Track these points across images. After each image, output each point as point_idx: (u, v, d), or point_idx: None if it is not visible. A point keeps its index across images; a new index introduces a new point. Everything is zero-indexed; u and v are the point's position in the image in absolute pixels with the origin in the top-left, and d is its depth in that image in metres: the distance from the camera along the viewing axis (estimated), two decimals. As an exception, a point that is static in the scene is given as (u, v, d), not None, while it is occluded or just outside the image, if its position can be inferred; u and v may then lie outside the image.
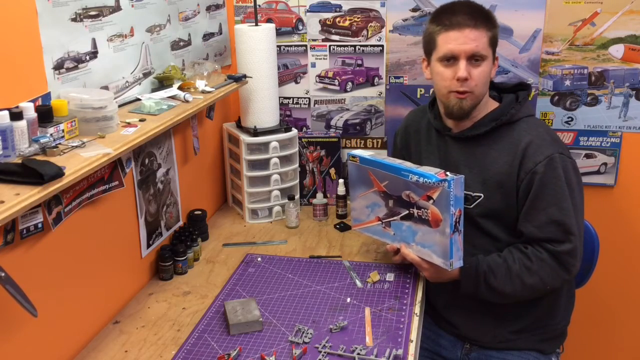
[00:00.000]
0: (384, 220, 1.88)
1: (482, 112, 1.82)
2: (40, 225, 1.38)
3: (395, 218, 1.84)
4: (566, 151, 1.77)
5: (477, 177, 1.81)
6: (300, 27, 2.47)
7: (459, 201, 1.66)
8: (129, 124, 1.56)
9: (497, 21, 1.79)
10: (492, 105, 1.85)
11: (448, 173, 1.66)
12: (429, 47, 1.80)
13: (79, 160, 1.31)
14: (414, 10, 2.36)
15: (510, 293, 1.74)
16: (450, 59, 1.73)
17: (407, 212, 1.78)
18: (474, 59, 1.71)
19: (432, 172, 1.69)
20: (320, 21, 2.45)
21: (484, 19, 1.73)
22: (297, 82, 2.54)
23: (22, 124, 1.26)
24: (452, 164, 1.86)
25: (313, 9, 2.44)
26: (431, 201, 1.69)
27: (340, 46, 2.47)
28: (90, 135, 1.44)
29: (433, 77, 1.82)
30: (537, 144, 1.74)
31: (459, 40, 1.70)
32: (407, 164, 1.78)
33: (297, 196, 2.39)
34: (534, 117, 1.87)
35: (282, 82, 2.51)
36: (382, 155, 1.90)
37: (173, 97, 1.82)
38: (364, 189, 1.91)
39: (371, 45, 2.45)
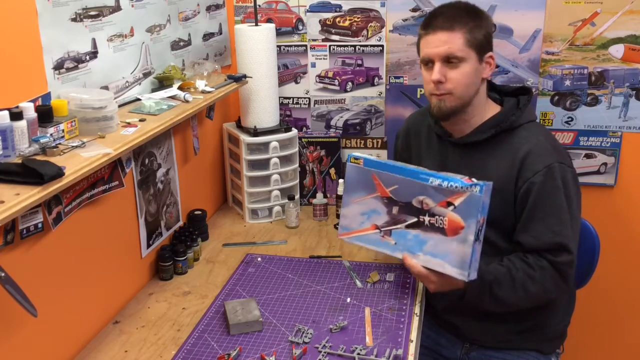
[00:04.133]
0: (383, 229, 1.75)
1: (482, 117, 1.81)
2: (40, 225, 1.38)
3: (399, 226, 1.72)
4: (567, 160, 1.76)
5: None
6: (300, 27, 2.47)
7: (485, 208, 1.59)
8: (129, 124, 1.56)
9: (490, 21, 1.78)
10: (493, 109, 1.83)
11: (473, 179, 1.59)
12: (418, 51, 1.83)
13: (79, 160, 1.31)
14: (414, 10, 2.36)
15: (514, 303, 1.72)
16: (429, 63, 1.76)
17: (416, 219, 1.67)
18: (450, 60, 1.72)
19: (456, 177, 1.61)
20: (320, 21, 2.45)
21: (465, 20, 1.71)
22: (297, 82, 2.54)
23: (22, 124, 1.26)
24: (452, 169, 1.84)
25: (313, 9, 2.44)
26: (451, 207, 1.60)
27: (340, 46, 2.47)
28: (90, 135, 1.44)
29: None
30: (537, 152, 1.72)
31: (432, 44, 1.72)
32: (424, 169, 1.69)
33: (297, 196, 2.38)
34: (535, 122, 1.84)
35: (282, 82, 2.51)
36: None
37: (173, 97, 1.82)
38: (361, 194, 1.77)
39: (371, 45, 2.45)
